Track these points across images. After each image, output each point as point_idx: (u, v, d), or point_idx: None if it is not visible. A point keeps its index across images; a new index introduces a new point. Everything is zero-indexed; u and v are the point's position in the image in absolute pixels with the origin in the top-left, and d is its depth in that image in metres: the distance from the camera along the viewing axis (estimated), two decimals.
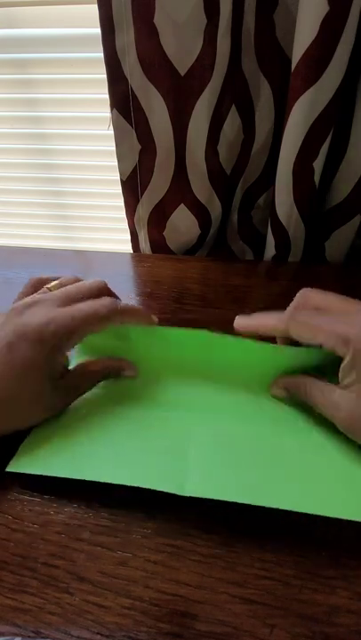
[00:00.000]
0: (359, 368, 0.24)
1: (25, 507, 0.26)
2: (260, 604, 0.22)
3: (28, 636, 0.21)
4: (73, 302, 0.28)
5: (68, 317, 0.27)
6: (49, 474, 0.26)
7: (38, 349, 0.26)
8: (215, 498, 0.24)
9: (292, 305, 0.29)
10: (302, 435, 0.28)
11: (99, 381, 0.31)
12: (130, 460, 0.27)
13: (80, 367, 0.31)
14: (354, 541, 0.24)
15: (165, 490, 0.24)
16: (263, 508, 0.25)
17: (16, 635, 0.21)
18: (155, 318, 0.32)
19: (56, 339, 0.26)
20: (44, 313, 0.27)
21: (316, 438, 0.28)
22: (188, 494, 0.24)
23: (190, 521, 0.25)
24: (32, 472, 0.26)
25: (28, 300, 0.28)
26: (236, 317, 0.30)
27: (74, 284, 0.30)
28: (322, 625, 0.21)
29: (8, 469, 0.26)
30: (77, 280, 0.32)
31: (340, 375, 0.26)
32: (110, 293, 0.31)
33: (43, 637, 0.21)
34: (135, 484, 0.25)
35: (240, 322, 0.30)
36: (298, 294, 0.29)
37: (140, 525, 0.25)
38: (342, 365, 0.25)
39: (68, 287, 0.30)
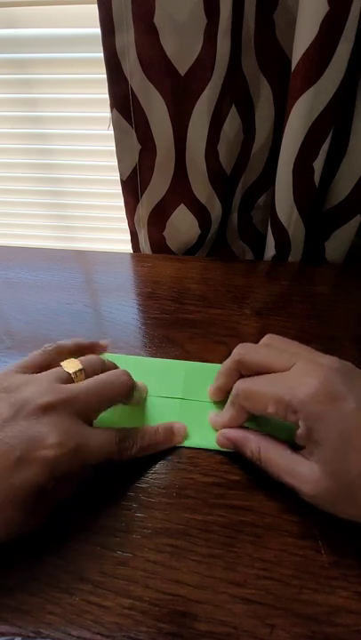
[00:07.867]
0: (314, 438, 0.23)
1: None
2: (260, 604, 0.22)
3: (28, 636, 0.21)
4: (96, 409, 0.27)
5: (88, 448, 0.24)
6: None
7: (43, 479, 0.22)
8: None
9: (233, 388, 0.27)
10: None
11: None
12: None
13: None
14: (354, 541, 0.24)
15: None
16: (263, 508, 0.26)
17: (16, 635, 0.21)
18: (179, 435, 0.30)
19: (67, 468, 0.23)
20: (63, 429, 0.24)
21: None
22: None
23: (190, 521, 0.25)
24: None
25: (50, 395, 0.24)
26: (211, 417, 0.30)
27: (99, 383, 0.27)
28: (322, 625, 0.21)
29: None
30: (104, 363, 0.29)
31: (297, 441, 0.24)
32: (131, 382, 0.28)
33: (43, 637, 0.21)
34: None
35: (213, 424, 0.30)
36: (233, 358, 0.28)
37: (140, 525, 0.25)
38: (297, 434, 0.24)
39: (95, 387, 0.26)
